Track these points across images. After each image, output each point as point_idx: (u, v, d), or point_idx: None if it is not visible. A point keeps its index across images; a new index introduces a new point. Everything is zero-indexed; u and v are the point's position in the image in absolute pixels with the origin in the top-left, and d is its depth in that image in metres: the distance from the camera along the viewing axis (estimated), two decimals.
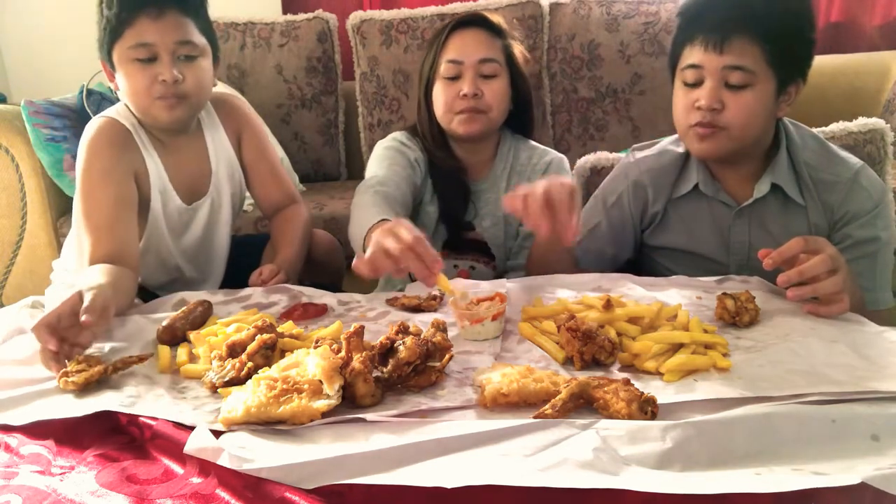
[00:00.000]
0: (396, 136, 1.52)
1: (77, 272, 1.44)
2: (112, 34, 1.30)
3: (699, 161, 1.31)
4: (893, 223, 1.28)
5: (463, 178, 1.52)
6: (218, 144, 1.50)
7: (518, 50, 1.49)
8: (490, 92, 1.42)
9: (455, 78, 1.43)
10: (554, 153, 1.56)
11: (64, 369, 0.90)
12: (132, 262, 1.29)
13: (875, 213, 1.24)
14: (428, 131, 1.51)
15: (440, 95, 1.45)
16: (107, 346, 1.02)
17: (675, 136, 1.38)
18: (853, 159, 1.28)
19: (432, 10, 2.58)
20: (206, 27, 1.38)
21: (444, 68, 1.44)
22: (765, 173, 1.26)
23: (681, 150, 1.35)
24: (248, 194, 1.62)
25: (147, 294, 1.46)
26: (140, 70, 1.30)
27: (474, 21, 1.46)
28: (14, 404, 0.87)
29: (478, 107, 1.42)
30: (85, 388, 0.88)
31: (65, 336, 0.95)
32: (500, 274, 1.53)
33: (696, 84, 1.21)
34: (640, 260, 1.44)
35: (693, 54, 1.20)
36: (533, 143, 1.58)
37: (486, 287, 1.17)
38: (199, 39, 1.35)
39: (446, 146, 1.52)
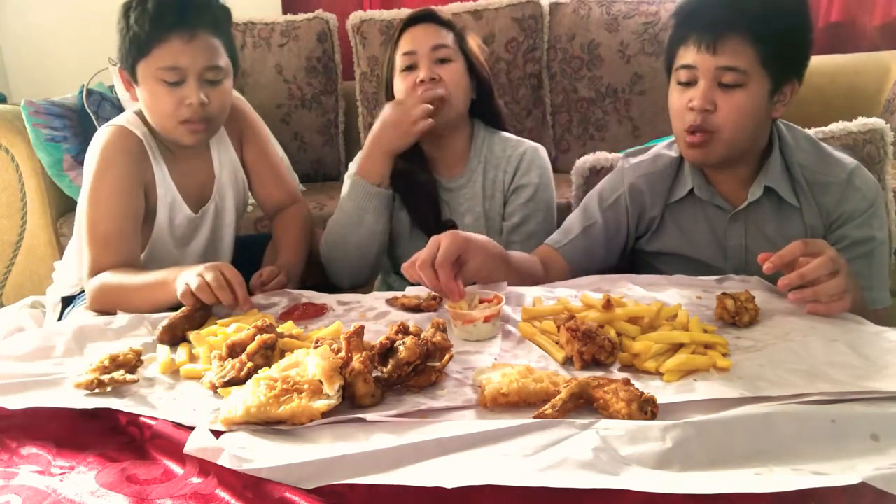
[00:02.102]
0: (353, 163, 1.53)
1: (78, 283, 1.45)
2: (139, 50, 1.28)
3: (693, 165, 1.31)
4: (889, 223, 1.28)
5: (430, 178, 1.52)
6: (222, 149, 1.50)
7: (472, 40, 1.51)
8: (447, 75, 1.44)
9: (411, 67, 1.45)
10: (528, 143, 1.55)
11: (97, 377, 0.88)
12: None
13: (870, 212, 1.24)
14: None
15: (399, 87, 1.46)
16: (107, 347, 1.02)
17: (668, 140, 1.38)
18: (847, 159, 1.28)
19: None
20: (231, 45, 1.37)
21: (400, 61, 1.46)
22: (758, 176, 1.26)
23: (674, 154, 1.35)
24: (249, 195, 1.62)
25: None
26: (167, 93, 1.29)
27: (424, 17, 1.49)
28: (12, 390, 0.87)
29: (437, 90, 1.42)
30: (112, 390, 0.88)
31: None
32: None
33: (690, 84, 1.21)
34: (637, 266, 1.43)
35: (687, 55, 1.20)
36: (506, 134, 1.58)
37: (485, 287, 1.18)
38: (225, 61, 1.34)
39: (416, 146, 1.52)
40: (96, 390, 0.86)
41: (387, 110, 1.43)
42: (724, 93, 1.18)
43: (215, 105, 1.33)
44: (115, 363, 0.91)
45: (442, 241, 1.08)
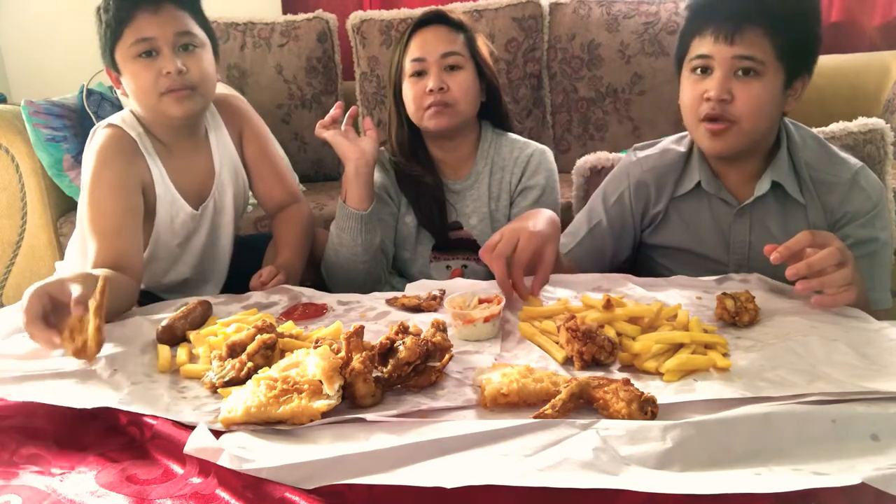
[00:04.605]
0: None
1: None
2: (112, 36, 1.31)
3: (702, 159, 1.31)
4: (891, 224, 1.28)
5: (437, 180, 1.52)
6: (221, 146, 1.50)
7: (481, 42, 1.51)
8: (455, 84, 1.43)
9: (420, 74, 1.44)
10: (535, 145, 1.55)
11: (70, 346, 0.92)
12: (135, 270, 1.29)
13: (874, 213, 1.24)
14: (397, 136, 1.53)
15: (408, 93, 1.46)
16: (109, 346, 1.02)
17: (677, 135, 1.38)
18: (852, 160, 1.28)
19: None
20: (203, 23, 1.38)
21: (409, 67, 1.45)
22: (766, 171, 1.27)
23: (682, 148, 1.35)
24: (250, 194, 1.62)
25: (150, 297, 1.46)
26: (144, 67, 1.31)
27: (434, 19, 1.48)
28: (12, 382, 0.89)
29: (445, 100, 1.42)
30: (99, 351, 0.92)
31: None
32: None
33: (705, 75, 1.21)
34: (639, 260, 1.44)
35: (703, 45, 1.20)
36: (513, 136, 1.57)
37: (486, 287, 1.18)
38: (198, 30, 1.36)
39: (422, 148, 1.52)
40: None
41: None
42: (741, 82, 1.18)
43: (195, 73, 1.34)
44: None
45: (521, 240, 1.09)
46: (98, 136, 1.38)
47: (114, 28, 1.30)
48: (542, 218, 1.17)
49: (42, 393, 0.85)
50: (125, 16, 1.29)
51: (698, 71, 1.21)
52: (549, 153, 1.55)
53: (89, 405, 0.82)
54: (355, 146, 1.40)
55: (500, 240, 1.11)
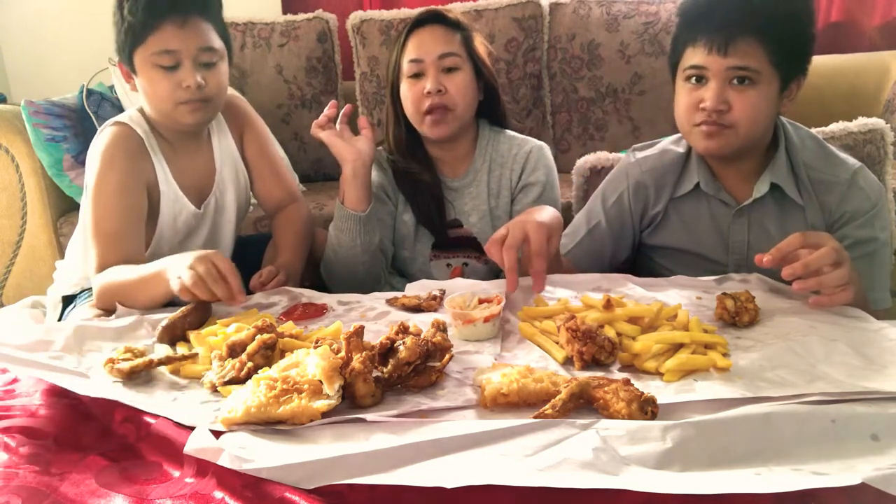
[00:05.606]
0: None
1: (85, 278, 1.45)
2: (134, 39, 1.31)
3: (700, 160, 1.31)
4: (891, 224, 1.28)
5: (434, 178, 1.52)
6: (223, 145, 1.51)
7: (478, 41, 1.50)
8: (453, 86, 1.43)
9: (418, 75, 1.44)
10: (534, 142, 1.55)
11: (110, 356, 0.93)
12: None
13: (873, 213, 1.24)
14: (395, 135, 1.53)
15: (407, 95, 1.46)
16: (109, 346, 1.02)
17: (676, 136, 1.38)
18: (851, 160, 1.28)
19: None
20: (223, 30, 1.39)
21: (406, 68, 1.45)
22: (764, 173, 1.27)
23: (681, 149, 1.35)
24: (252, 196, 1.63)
25: None
26: (164, 77, 1.32)
27: (431, 19, 1.47)
28: (17, 363, 0.91)
29: (443, 103, 1.42)
30: (129, 377, 0.91)
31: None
32: (493, 269, 1.53)
33: (700, 84, 1.20)
34: (639, 260, 1.44)
35: (696, 55, 1.20)
36: (511, 133, 1.57)
37: (486, 287, 1.18)
38: (219, 44, 1.36)
39: (420, 146, 1.53)
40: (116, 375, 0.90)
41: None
42: (737, 91, 1.18)
43: (212, 87, 1.35)
44: (160, 360, 0.94)
45: (530, 231, 1.09)
46: (105, 133, 1.38)
47: (137, 31, 1.30)
48: (546, 211, 1.17)
49: (46, 375, 0.87)
50: (152, 23, 1.29)
51: (693, 80, 1.21)
52: (547, 149, 1.55)
53: (92, 394, 0.83)
54: (352, 147, 1.40)
55: (506, 233, 1.11)
